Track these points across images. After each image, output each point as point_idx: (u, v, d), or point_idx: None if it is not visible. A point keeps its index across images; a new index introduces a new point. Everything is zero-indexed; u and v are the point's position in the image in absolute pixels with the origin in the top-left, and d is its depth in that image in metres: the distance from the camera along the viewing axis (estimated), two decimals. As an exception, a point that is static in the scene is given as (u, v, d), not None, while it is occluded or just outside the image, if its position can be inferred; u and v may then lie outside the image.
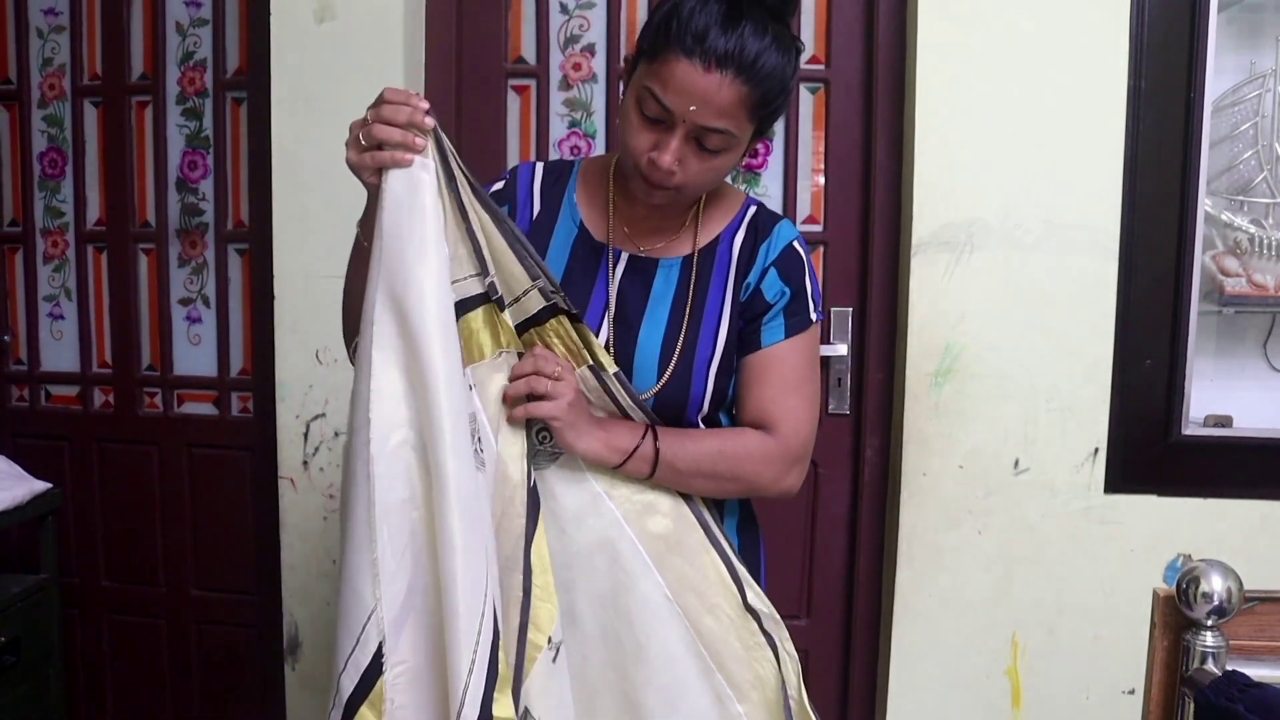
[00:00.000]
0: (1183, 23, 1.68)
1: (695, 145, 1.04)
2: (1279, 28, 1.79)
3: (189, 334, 2.15)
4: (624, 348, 1.13)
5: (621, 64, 1.12)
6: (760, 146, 1.93)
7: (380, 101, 0.98)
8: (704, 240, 1.17)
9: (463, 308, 1.02)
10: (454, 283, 1.01)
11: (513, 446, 1.05)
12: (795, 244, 1.17)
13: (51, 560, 2.02)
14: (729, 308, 1.15)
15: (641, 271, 1.16)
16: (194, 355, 2.15)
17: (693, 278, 1.15)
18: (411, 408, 0.97)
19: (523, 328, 1.07)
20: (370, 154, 0.98)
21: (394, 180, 0.97)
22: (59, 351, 2.23)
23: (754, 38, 1.00)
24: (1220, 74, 1.74)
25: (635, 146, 1.06)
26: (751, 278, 1.16)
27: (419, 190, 0.97)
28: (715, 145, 1.04)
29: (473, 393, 1.02)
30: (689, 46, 0.99)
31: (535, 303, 1.06)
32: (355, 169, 1.00)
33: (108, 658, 2.25)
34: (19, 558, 2.11)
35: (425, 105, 0.98)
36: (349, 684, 0.96)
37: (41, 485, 1.98)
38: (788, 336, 1.15)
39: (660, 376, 1.12)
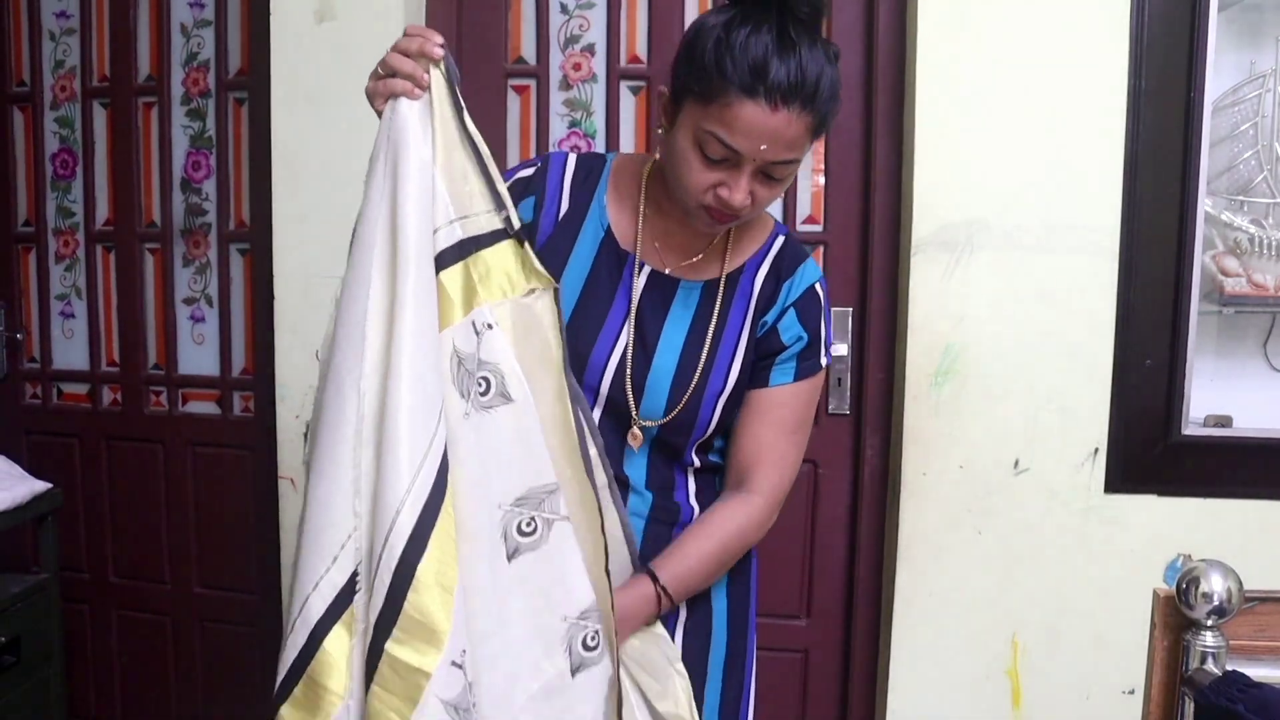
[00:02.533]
0: (1183, 23, 1.68)
1: (763, 177, 1.03)
2: (1279, 28, 1.78)
3: (193, 334, 2.16)
4: (639, 365, 1.12)
5: (659, 96, 1.09)
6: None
7: (402, 35, 1.00)
8: (730, 266, 1.16)
9: (476, 245, 1.00)
10: (464, 219, 0.99)
11: (542, 392, 1.01)
12: (817, 286, 1.17)
13: (52, 560, 2.02)
14: (744, 341, 1.15)
15: (661, 289, 1.15)
16: (198, 355, 2.16)
17: (716, 306, 1.15)
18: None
19: (462, 249, 1.01)
20: (382, 81, 0.99)
21: (400, 108, 0.98)
22: (70, 350, 2.25)
23: (810, 59, 0.98)
24: (1220, 74, 1.73)
25: (697, 184, 1.03)
26: (770, 316, 1.15)
27: (409, 123, 0.97)
28: (783, 174, 1.03)
29: (493, 331, 0.99)
30: (751, 86, 0.96)
31: (487, 224, 1.02)
32: (369, 97, 1.00)
33: (115, 653, 2.26)
34: (19, 558, 2.11)
35: (439, 40, 0.98)
36: (320, 604, 0.94)
37: (42, 485, 1.98)
38: (796, 380, 1.15)
39: (671, 401, 1.12)
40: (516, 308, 1.01)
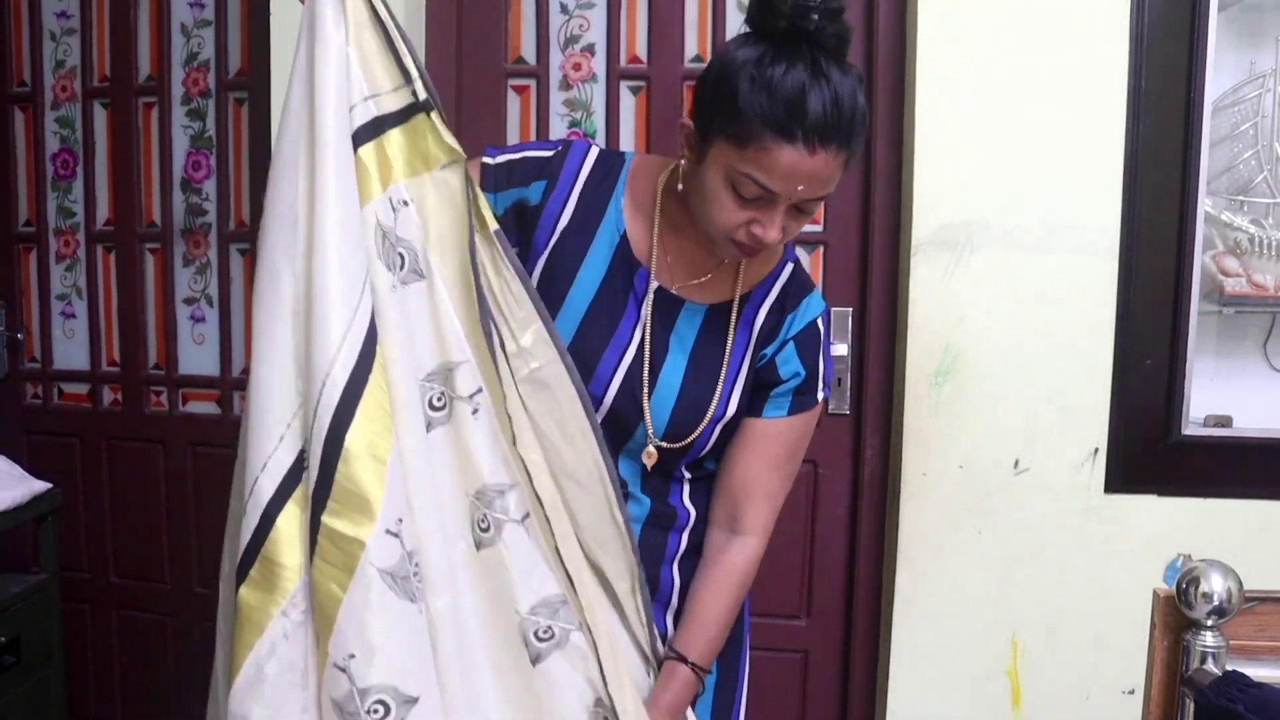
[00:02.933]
0: (1183, 23, 1.68)
1: (794, 211, 1.02)
2: (1279, 28, 1.78)
3: (193, 333, 2.16)
4: (645, 382, 1.12)
5: (681, 128, 1.07)
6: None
7: None
8: (739, 292, 1.15)
9: (388, 122, 1.00)
10: (375, 96, 0.99)
11: (451, 266, 1.02)
12: (819, 321, 1.16)
13: (51, 560, 2.03)
14: (745, 371, 1.15)
15: (667, 306, 1.13)
16: (198, 355, 2.16)
17: (724, 331, 1.14)
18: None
19: (376, 126, 1.00)
20: None
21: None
22: (70, 350, 2.25)
23: (844, 94, 0.95)
24: (1220, 74, 1.73)
25: (729, 222, 1.02)
26: (770, 349, 1.15)
27: (324, 9, 0.97)
28: (815, 208, 1.03)
29: (408, 209, 1.01)
30: (788, 129, 0.94)
31: (397, 101, 1.01)
32: None
33: (115, 653, 2.26)
34: (19, 558, 2.12)
35: None
36: (270, 484, 0.95)
37: (41, 485, 1.98)
38: (790, 414, 1.16)
39: (673, 423, 1.12)
40: (431, 183, 1.02)
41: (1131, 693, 1.76)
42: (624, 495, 1.12)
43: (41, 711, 1.98)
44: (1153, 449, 1.76)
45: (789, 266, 1.18)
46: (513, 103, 1.97)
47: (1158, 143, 1.71)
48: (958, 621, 1.81)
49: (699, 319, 1.14)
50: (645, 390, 1.12)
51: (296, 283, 0.95)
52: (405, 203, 1.01)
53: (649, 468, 1.15)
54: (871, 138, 1.86)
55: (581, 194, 1.13)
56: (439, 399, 1.02)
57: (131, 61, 2.12)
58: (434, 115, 1.01)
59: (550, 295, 1.10)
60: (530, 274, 1.11)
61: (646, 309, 1.12)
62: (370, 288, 0.97)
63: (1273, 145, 1.78)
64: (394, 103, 1.00)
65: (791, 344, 1.15)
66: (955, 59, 1.73)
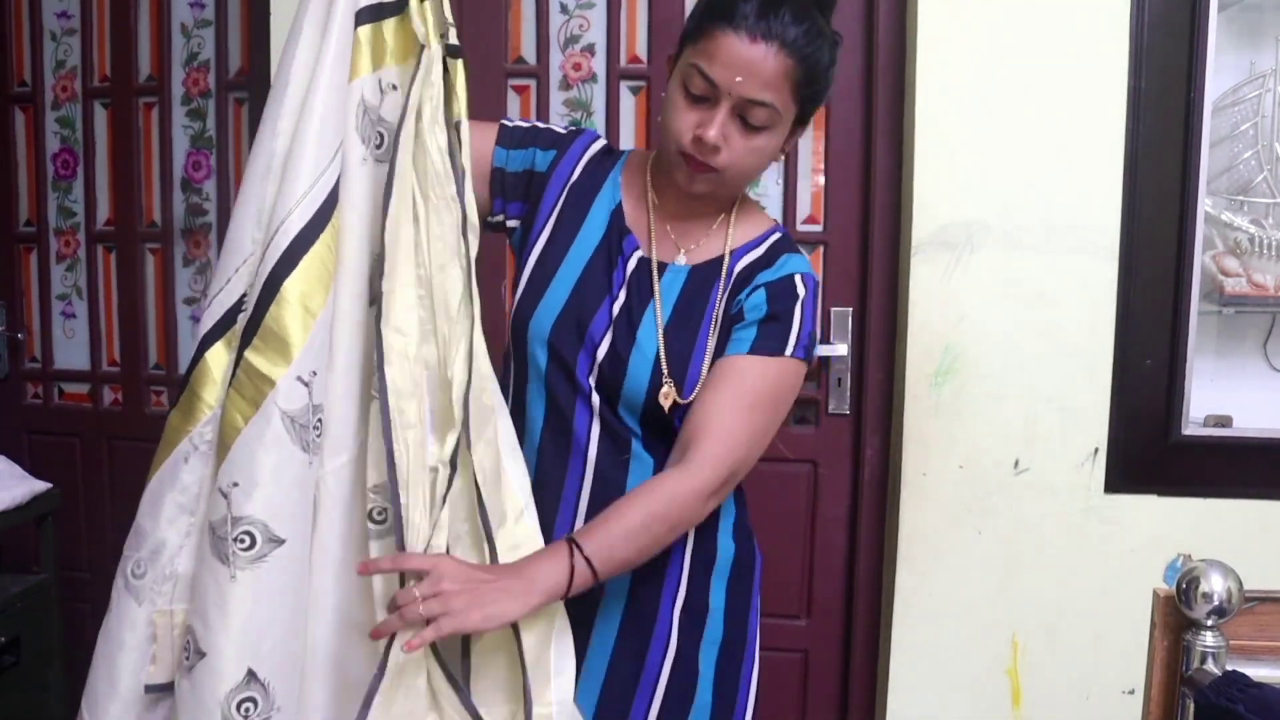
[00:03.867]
0: (1183, 23, 1.68)
1: (740, 122, 1.04)
2: (1279, 28, 1.78)
3: (194, 333, 2.16)
4: (622, 342, 1.12)
5: (666, 62, 1.14)
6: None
7: None
8: (715, 252, 1.16)
9: (389, 10, 1.05)
10: None
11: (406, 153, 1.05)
12: (797, 277, 1.14)
13: (52, 560, 2.03)
14: (719, 324, 1.14)
15: (644, 273, 1.16)
16: (198, 354, 2.16)
17: (701, 291, 1.15)
18: None
19: (378, 11, 1.05)
20: None
21: None
22: (71, 350, 2.26)
23: (800, 11, 1.03)
24: (1220, 74, 1.73)
25: (679, 127, 1.06)
26: (743, 295, 1.14)
27: None
28: (760, 120, 1.04)
29: (395, 93, 1.04)
30: (735, 20, 1.01)
31: None
32: None
33: (114, 654, 2.26)
34: (19, 558, 2.12)
35: None
36: (209, 320, 1.02)
37: (41, 485, 1.98)
38: (751, 352, 1.11)
39: (651, 384, 1.12)
40: (418, 72, 1.04)
41: (1131, 693, 1.76)
42: (627, 455, 1.14)
43: (41, 711, 1.98)
44: (1153, 449, 1.76)
45: (776, 234, 1.19)
46: (513, 103, 1.97)
47: (1158, 143, 1.71)
48: (958, 621, 1.81)
49: (682, 277, 1.16)
50: (630, 345, 1.12)
51: (274, 141, 1.01)
52: (394, 86, 1.05)
53: (649, 428, 1.15)
54: (872, 137, 1.86)
55: (585, 167, 1.19)
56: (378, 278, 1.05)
57: (132, 61, 2.12)
58: (426, 5, 1.06)
59: (551, 255, 1.15)
60: (536, 235, 1.17)
61: (624, 274, 1.15)
62: (342, 157, 1.02)
63: (1273, 145, 1.78)
64: None
65: (762, 289, 1.14)
66: (955, 59, 1.73)
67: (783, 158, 1.15)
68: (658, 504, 1.06)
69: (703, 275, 1.16)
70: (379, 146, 1.05)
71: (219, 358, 1.01)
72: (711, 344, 1.14)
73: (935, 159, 1.75)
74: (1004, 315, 1.75)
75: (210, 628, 0.99)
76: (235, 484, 0.98)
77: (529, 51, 1.96)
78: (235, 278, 1.01)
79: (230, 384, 0.99)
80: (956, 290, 1.76)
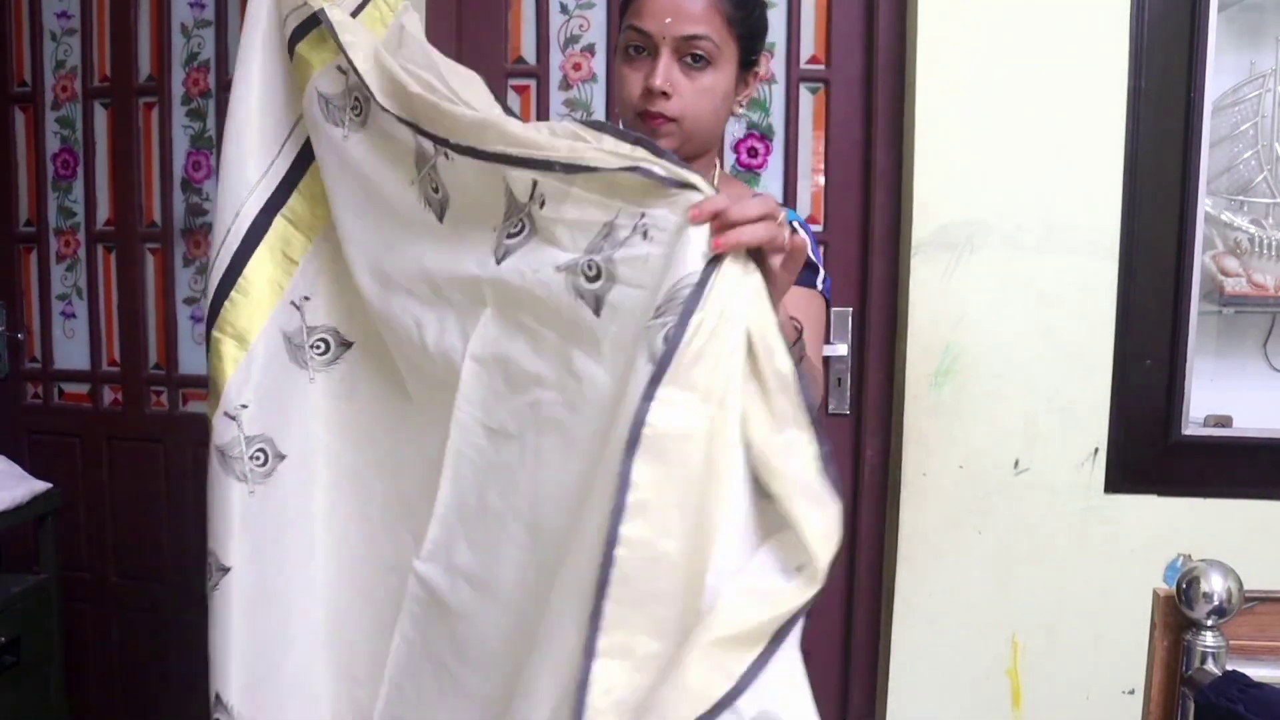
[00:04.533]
0: (1183, 23, 1.68)
1: (682, 65, 1.07)
2: (1279, 28, 1.78)
3: (194, 333, 2.16)
4: None
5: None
6: (762, 146, 1.93)
7: None
8: None
9: (307, 26, 1.10)
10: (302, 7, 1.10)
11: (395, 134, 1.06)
12: (795, 224, 1.14)
13: (52, 560, 2.02)
14: None
15: None
16: (199, 354, 2.16)
17: None
18: None
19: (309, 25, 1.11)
20: None
21: None
22: (71, 350, 2.25)
23: None
24: (1220, 74, 1.73)
25: (630, 91, 1.09)
26: None
27: None
28: (699, 56, 1.07)
29: (352, 75, 1.06)
30: None
31: None
32: None
33: (117, 654, 2.26)
34: (19, 558, 2.11)
35: None
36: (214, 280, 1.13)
37: (41, 485, 1.98)
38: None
39: None
40: (375, 45, 1.06)
41: (1131, 693, 1.76)
42: None
43: (41, 711, 1.98)
44: (1153, 449, 1.76)
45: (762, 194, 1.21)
46: (513, 103, 1.97)
47: (1158, 143, 1.71)
48: (958, 621, 1.81)
49: None
50: None
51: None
52: (340, 69, 1.07)
53: None
54: (872, 137, 1.86)
55: None
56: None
57: (132, 61, 2.12)
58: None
59: None
60: None
61: None
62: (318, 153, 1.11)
63: (1273, 145, 1.78)
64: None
65: None
66: (955, 59, 1.73)
67: (740, 109, 1.17)
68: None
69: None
70: (358, 113, 1.07)
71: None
72: None
73: (935, 159, 1.75)
74: (1004, 315, 1.75)
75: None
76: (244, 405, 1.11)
77: (529, 51, 1.96)
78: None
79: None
80: (956, 290, 1.76)
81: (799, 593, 0.81)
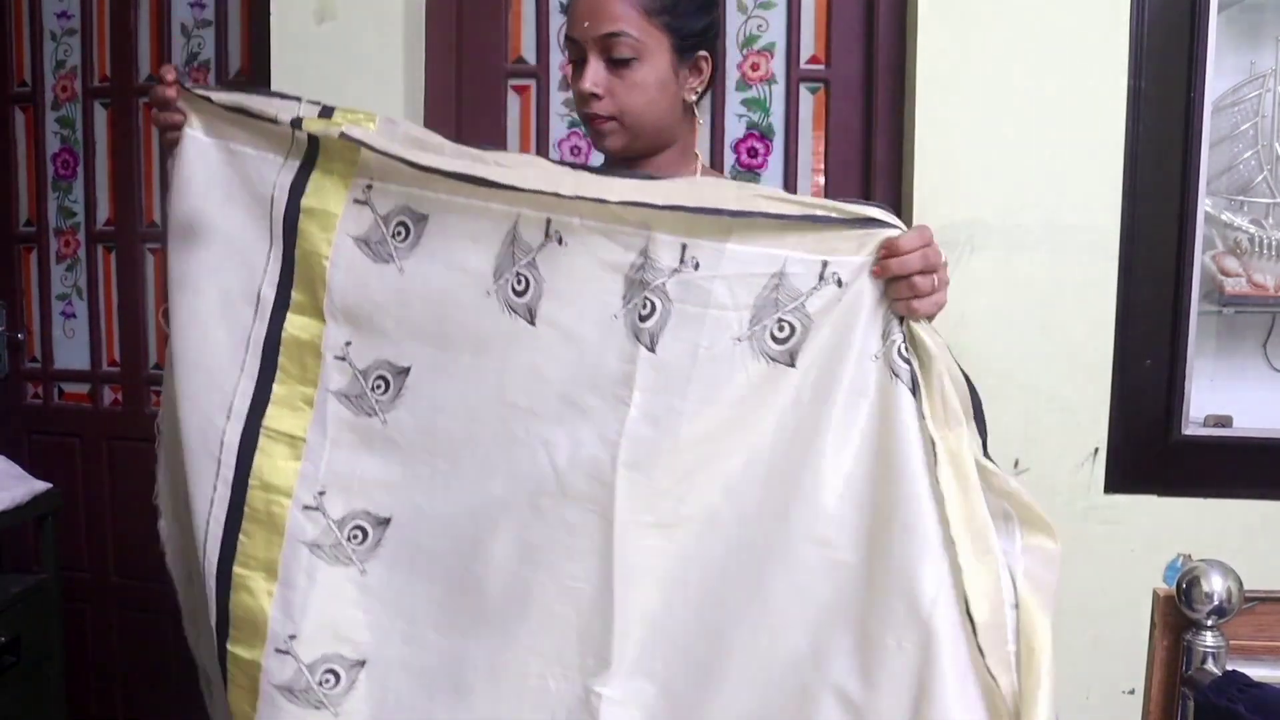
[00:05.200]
0: (1183, 23, 1.68)
1: (609, 64, 1.10)
2: (1279, 28, 1.78)
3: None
4: None
5: None
6: (762, 146, 1.93)
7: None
8: None
9: (306, 168, 1.05)
10: (284, 163, 1.05)
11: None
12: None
13: (51, 560, 2.02)
14: None
15: None
16: (198, 355, 2.16)
17: None
18: None
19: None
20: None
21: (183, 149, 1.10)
22: (71, 350, 2.25)
23: None
24: (1220, 74, 1.73)
25: (577, 96, 1.13)
26: None
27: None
28: (623, 52, 1.09)
29: (372, 191, 1.03)
30: None
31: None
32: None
33: (117, 654, 2.26)
34: (19, 558, 2.12)
35: (169, 78, 1.08)
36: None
37: (41, 485, 1.98)
38: None
39: None
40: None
41: (1131, 693, 1.76)
42: None
43: (41, 711, 1.98)
44: (1153, 449, 1.76)
45: None
46: (513, 103, 1.97)
47: (1158, 143, 1.71)
48: (958, 621, 1.80)
49: None
50: None
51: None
52: (369, 186, 1.03)
53: None
54: (872, 137, 1.86)
55: None
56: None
57: (131, 61, 2.12)
58: (332, 115, 1.05)
59: None
60: None
61: None
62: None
63: (1273, 145, 1.78)
64: (297, 153, 1.04)
65: None
66: (955, 59, 1.73)
67: (695, 96, 1.18)
68: None
69: None
70: (404, 237, 1.01)
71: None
72: None
73: (935, 159, 1.75)
74: (1004, 315, 1.75)
75: None
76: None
77: (529, 51, 1.96)
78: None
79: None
80: (956, 290, 1.74)
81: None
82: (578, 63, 1.12)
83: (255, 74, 1.97)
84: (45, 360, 2.26)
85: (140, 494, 2.20)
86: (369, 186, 1.02)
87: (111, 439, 2.22)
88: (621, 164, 1.18)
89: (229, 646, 0.97)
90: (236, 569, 1.00)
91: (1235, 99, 1.78)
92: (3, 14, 2.18)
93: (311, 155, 1.04)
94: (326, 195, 1.03)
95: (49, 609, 2.00)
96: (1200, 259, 1.73)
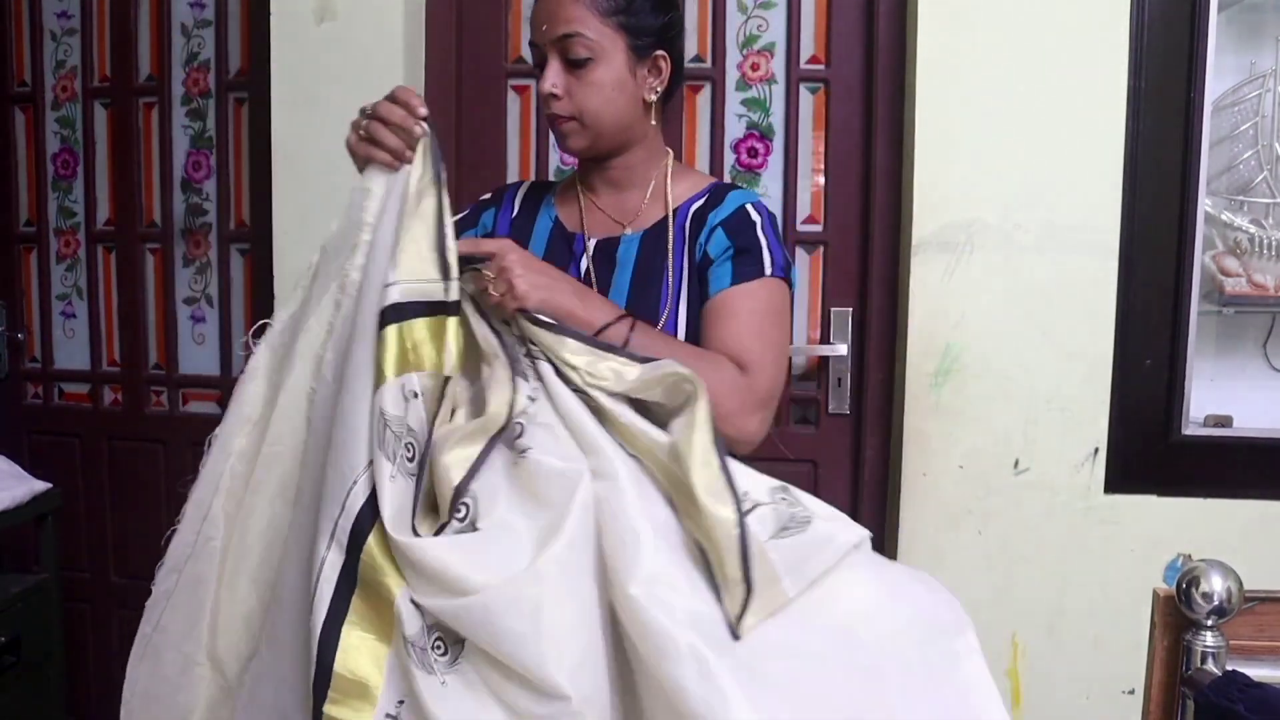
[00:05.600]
0: (1183, 23, 1.68)
1: (567, 65, 1.12)
2: (1279, 28, 1.78)
3: (194, 333, 2.16)
4: None
5: None
6: (762, 146, 1.93)
7: (387, 97, 1.03)
8: (660, 215, 1.21)
9: (415, 310, 0.97)
10: (410, 283, 0.97)
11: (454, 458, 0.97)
12: (748, 206, 1.19)
13: (51, 560, 2.03)
14: (686, 273, 1.18)
15: (606, 250, 1.21)
16: (198, 354, 2.16)
17: (662, 246, 1.19)
18: None
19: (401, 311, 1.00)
20: (363, 145, 1.03)
21: (375, 178, 1.02)
22: (71, 350, 2.26)
23: None
24: (1220, 74, 1.73)
25: (541, 98, 1.15)
26: (701, 238, 1.18)
27: (393, 192, 1.01)
28: (579, 53, 1.12)
29: (417, 401, 0.97)
30: None
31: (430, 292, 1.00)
32: (348, 148, 1.06)
33: (115, 653, 2.26)
34: (19, 558, 2.12)
35: (423, 112, 1.01)
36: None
37: (41, 485, 1.98)
38: (735, 283, 1.14)
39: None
40: (440, 385, 0.98)
41: (1131, 693, 1.76)
42: None
43: (41, 711, 1.98)
44: (1153, 449, 1.76)
45: (718, 183, 1.25)
46: (513, 103, 1.97)
47: (1158, 143, 1.71)
48: (958, 621, 1.80)
49: (635, 244, 1.20)
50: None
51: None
52: (415, 395, 0.97)
53: None
54: (872, 137, 1.86)
55: (522, 204, 1.30)
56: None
57: (132, 61, 2.12)
58: (456, 321, 0.99)
59: None
60: None
61: (584, 265, 1.21)
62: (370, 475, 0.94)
63: (1273, 145, 1.78)
64: (426, 292, 0.98)
65: (720, 229, 1.17)
66: (955, 59, 1.73)
67: (655, 96, 1.18)
68: (706, 358, 1.09)
69: (654, 236, 1.20)
70: (410, 459, 0.95)
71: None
72: (684, 292, 1.17)
73: (935, 159, 1.75)
74: (1004, 315, 1.75)
75: None
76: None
77: (529, 51, 1.96)
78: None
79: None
80: (956, 290, 1.76)
81: None
82: (541, 66, 1.15)
83: (255, 74, 1.97)
84: (45, 360, 2.26)
85: (140, 494, 2.21)
86: None
87: (111, 439, 2.22)
88: (590, 163, 1.22)
89: (327, 709, 0.91)
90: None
91: (1235, 99, 1.78)
92: (3, 14, 2.18)
93: None
94: None
95: (49, 609, 2.00)
96: (1200, 259, 1.73)
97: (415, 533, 0.93)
